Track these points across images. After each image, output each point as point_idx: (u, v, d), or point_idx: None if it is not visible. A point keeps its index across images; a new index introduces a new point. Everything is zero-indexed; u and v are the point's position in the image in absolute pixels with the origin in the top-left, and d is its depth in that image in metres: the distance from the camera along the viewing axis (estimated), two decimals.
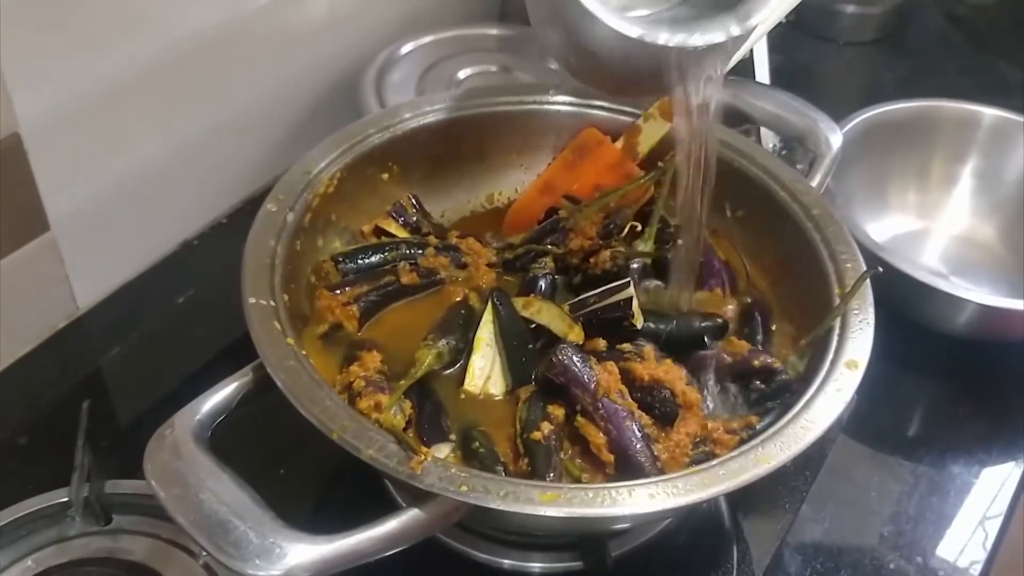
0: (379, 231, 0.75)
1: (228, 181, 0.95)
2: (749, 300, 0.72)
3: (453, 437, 0.60)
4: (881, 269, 0.65)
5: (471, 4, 1.15)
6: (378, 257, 0.72)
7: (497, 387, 0.64)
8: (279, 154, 0.96)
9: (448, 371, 0.65)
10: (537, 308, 0.66)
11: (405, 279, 0.70)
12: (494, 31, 1.07)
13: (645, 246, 0.72)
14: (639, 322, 0.66)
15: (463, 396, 0.64)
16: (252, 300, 0.59)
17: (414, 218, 0.76)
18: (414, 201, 0.77)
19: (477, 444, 0.59)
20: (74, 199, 0.79)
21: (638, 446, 0.58)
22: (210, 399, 0.54)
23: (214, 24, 0.84)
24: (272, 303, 0.59)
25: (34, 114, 0.72)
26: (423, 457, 0.51)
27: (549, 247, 0.73)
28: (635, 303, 0.65)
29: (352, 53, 0.99)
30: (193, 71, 0.85)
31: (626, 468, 0.58)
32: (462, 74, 0.98)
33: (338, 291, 0.68)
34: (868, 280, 0.63)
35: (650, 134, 0.76)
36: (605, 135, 0.78)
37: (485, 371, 0.64)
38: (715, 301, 0.72)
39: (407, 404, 0.60)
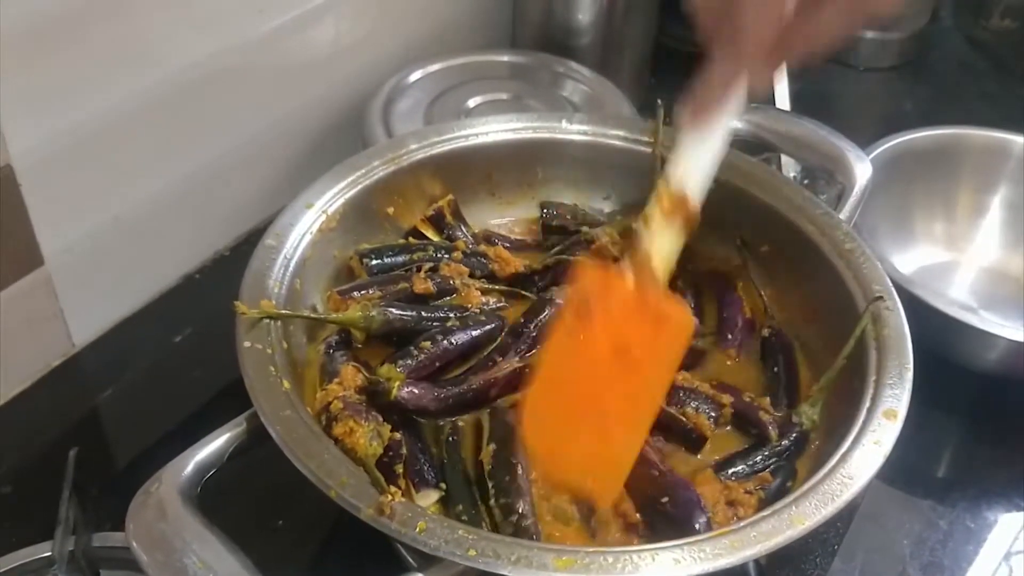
0: (416, 235, 0.74)
1: (230, 213, 0.93)
2: (767, 333, 0.69)
3: (444, 486, 0.57)
4: (884, 298, 0.62)
5: (481, 31, 1.13)
6: (404, 257, 0.70)
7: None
8: (285, 185, 0.94)
9: None
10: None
11: (419, 287, 0.68)
12: (505, 58, 1.05)
13: None
14: None
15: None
16: (247, 344, 0.56)
17: (449, 225, 0.75)
18: (452, 208, 0.75)
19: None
20: (69, 233, 0.77)
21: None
22: (199, 452, 0.51)
23: (215, 55, 0.83)
24: (269, 349, 0.56)
25: (28, 147, 0.70)
26: (391, 497, 0.49)
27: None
28: None
29: (358, 82, 0.98)
30: (194, 102, 0.83)
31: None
32: (472, 102, 0.96)
33: (349, 295, 0.65)
34: (906, 324, 0.60)
35: (664, 251, 0.55)
36: (602, 261, 0.60)
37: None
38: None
39: (385, 428, 0.56)
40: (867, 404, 0.57)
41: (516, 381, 0.63)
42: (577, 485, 0.56)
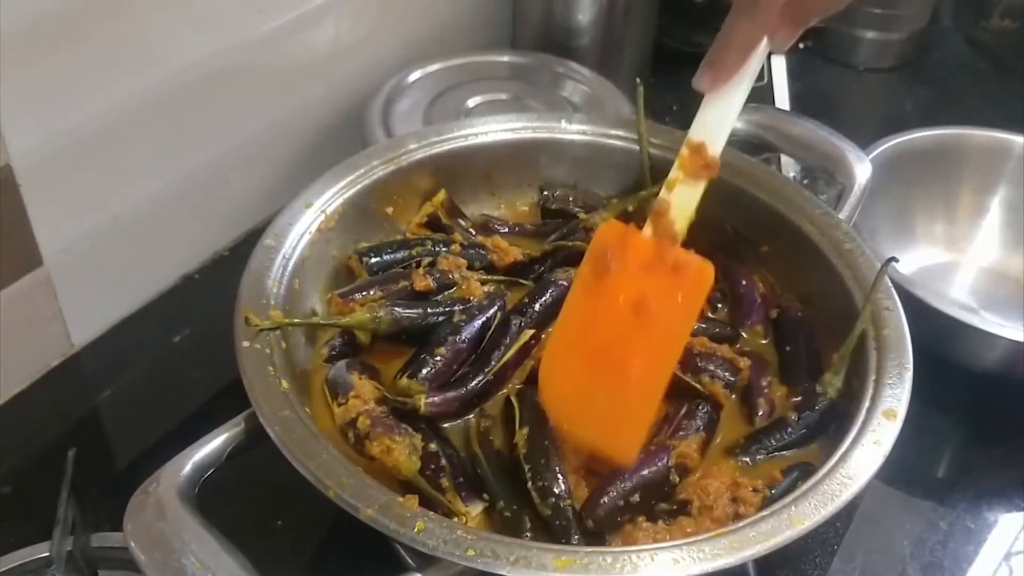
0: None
1: (230, 213, 0.93)
2: (776, 315, 0.69)
3: (487, 496, 0.56)
4: (898, 259, 0.63)
5: (481, 31, 1.13)
6: (403, 252, 0.70)
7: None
8: (285, 185, 0.94)
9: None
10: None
11: (419, 285, 0.67)
12: (504, 58, 1.05)
13: None
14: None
15: None
16: (246, 344, 0.56)
17: (447, 227, 0.75)
18: (446, 206, 0.75)
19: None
20: (68, 233, 0.77)
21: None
22: (198, 452, 0.51)
23: (215, 55, 0.83)
24: (268, 349, 0.56)
25: (28, 147, 0.70)
26: (463, 518, 0.50)
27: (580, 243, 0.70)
28: None
29: (358, 82, 0.98)
30: (194, 102, 0.83)
31: None
32: (471, 102, 0.96)
33: (350, 297, 0.65)
34: (906, 324, 0.59)
35: (683, 203, 0.56)
36: (626, 223, 0.58)
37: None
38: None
39: (417, 439, 0.56)
40: (867, 404, 0.56)
41: (528, 352, 0.63)
42: (596, 445, 0.55)
